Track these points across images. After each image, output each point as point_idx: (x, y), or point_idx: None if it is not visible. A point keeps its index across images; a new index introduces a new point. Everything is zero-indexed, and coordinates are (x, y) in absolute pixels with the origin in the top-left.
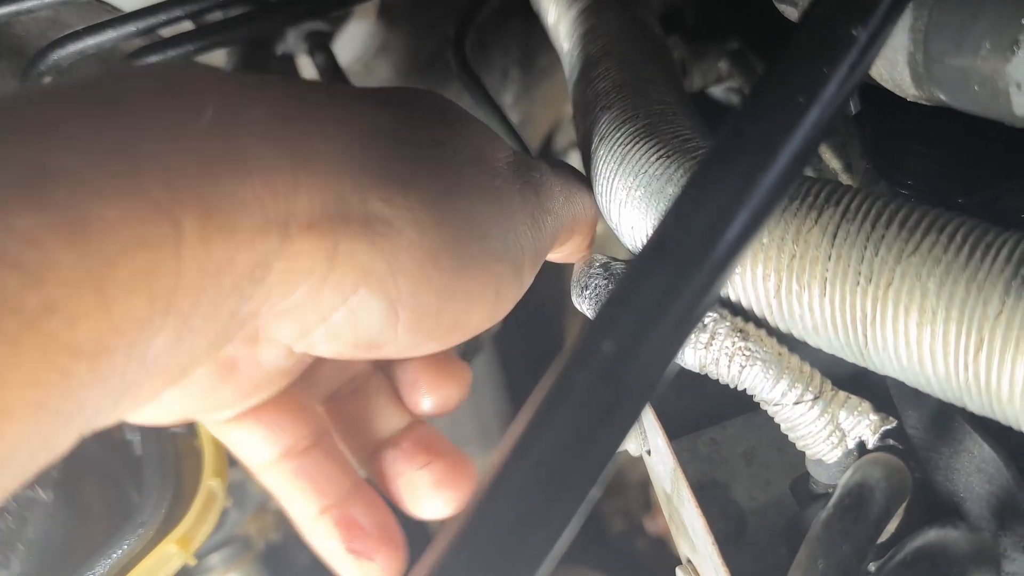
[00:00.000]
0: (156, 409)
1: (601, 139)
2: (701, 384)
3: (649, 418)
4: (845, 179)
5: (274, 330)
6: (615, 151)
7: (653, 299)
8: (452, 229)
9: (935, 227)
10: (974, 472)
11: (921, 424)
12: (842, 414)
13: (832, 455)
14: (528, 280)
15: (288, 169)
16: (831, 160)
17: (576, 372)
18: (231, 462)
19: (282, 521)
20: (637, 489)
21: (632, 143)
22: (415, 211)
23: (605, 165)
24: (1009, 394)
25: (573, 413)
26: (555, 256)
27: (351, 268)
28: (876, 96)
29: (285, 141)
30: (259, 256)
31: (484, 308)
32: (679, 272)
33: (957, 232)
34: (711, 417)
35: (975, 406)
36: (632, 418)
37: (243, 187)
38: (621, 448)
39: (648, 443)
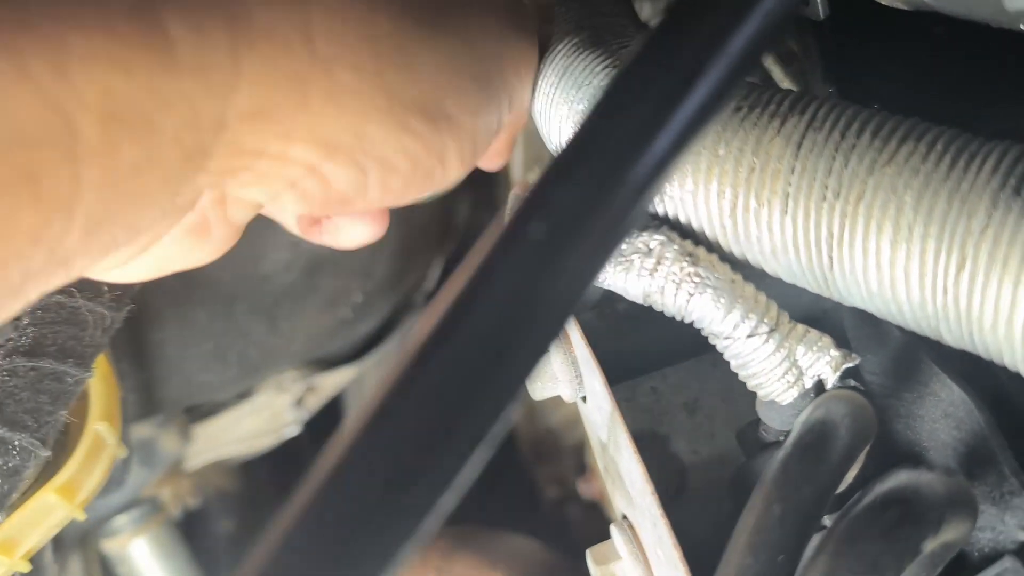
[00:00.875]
0: (137, 268)
1: (542, 51)
2: (641, 327)
3: (586, 359)
4: None
5: (241, 193)
6: (557, 63)
7: (572, 205)
8: (423, 89)
9: (913, 135)
10: (940, 418)
11: (881, 368)
12: (800, 349)
13: (787, 395)
14: (496, 137)
15: (226, 51)
16: (790, 87)
17: (478, 291)
18: (132, 417)
19: (202, 485)
20: (571, 455)
21: (575, 54)
22: (384, 75)
23: (546, 79)
24: (993, 321)
25: (473, 338)
26: (487, 159)
27: (313, 144)
28: (841, 13)
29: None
30: (187, 151)
31: (457, 162)
32: (605, 173)
33: (938, 140)
34: (652, 364)
35: (952, 337)
36: (540, 348)
37: (166, 82)
38: (554, 393)
39: (584, 388)
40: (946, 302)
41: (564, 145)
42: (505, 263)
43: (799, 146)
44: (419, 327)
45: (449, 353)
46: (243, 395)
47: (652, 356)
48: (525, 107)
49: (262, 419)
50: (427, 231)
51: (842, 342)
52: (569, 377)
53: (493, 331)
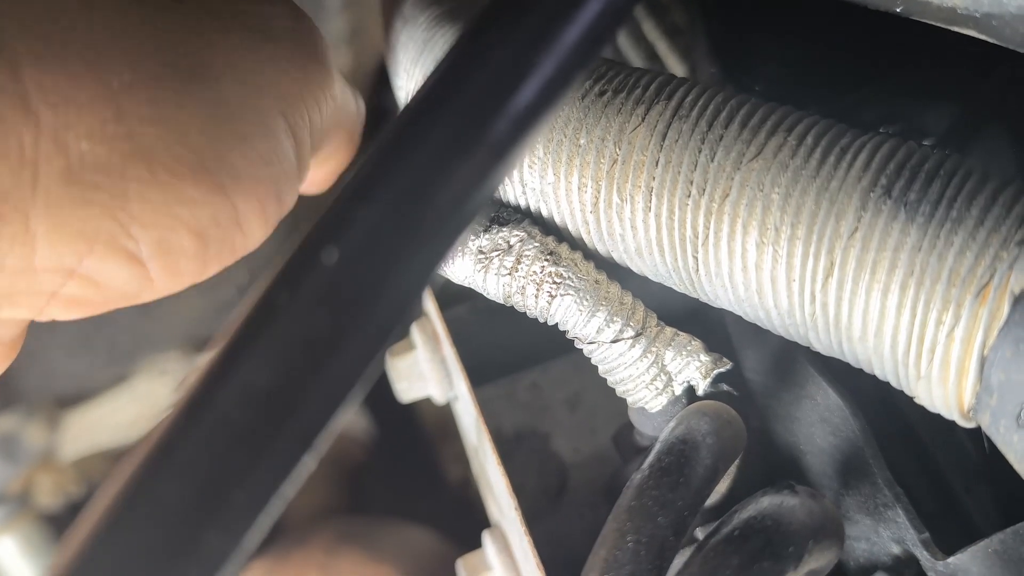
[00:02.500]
0: None
1: (405, 23)
2: (520, 319)
3: (452, 358)
4: None
5: None
6: (417, 36)
7: (373, 226)
8: (191, 146)
9: (783, 127)
10: (817, 422)
11: (761, 367)
12: (668, 354)
13: (656, 402)
14: (304, 173)
15: None
16: (675, 66)
17: (283, 295)
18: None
19: (86, 474)
20: None
21: (436, 26)
22: (135, 137)
23: (406, 53)
24: (862, 331)
25: (276, 351)
26: (317, 173)
27: (61, 241)
28: None
29: None
30: None
31: (259, 221)
32: (411, 187)
33: (808, 133)
34: (533, 357)
35: (822, 345)
36: (363, 361)
37: None
38: (423, 394)
39: (454, 388)
40: (814, 310)
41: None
42: (292, 298)
43: (664, 136)
44: (188, 393)
45: (244, 384)
46: (119, 380)
47: (533, 349)
48: (342, 122)
49: (143, 405)
50: (318, 206)
51: (724, 338)
52: (439, 377)
53: (292, 364)
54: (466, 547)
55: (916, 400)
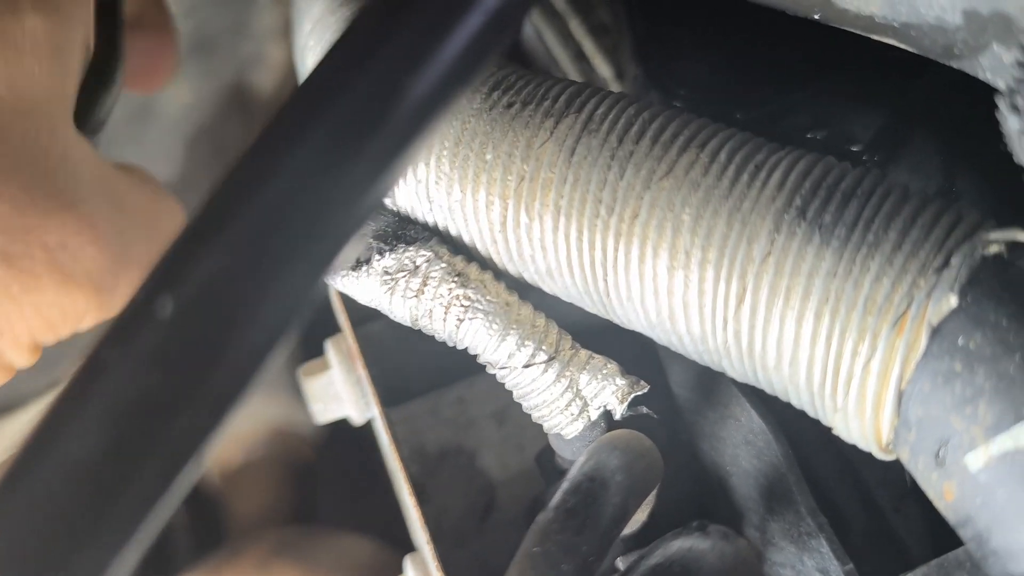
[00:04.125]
0: None
1: (313, 27)
2: None
3: (364, 378)
4: (616, 89)
5: None
6: (326, 39)
7: (211, 275)
8: None
9: (695, 142)
10: (741, 444)
11: (687, 382)
12: (583, 378)
13: (572, 428)
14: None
15: None
16: (600, 65)
17: (112, 353)
18: None
19: None
20: None
21: (330, 14)
22: None
23: (315, 58)
24: (776, 360)
25: (103, 417)
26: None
27: None
28: None
29: None
30: None
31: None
32: (254, 232)
33: (722, 149)
34: (458, 371)
35: (736, 373)
36: (204, 426)
37: None
38: (339, 415)
39: (371, 408)
40: (727, 337)
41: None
42: (123, 356)
43: (572, 152)
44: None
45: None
46: (50, 388)
47: (459, 363)
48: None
49: None
50: None
51: (652, 350)
52: (355, 398)
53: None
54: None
55: (834, 431)
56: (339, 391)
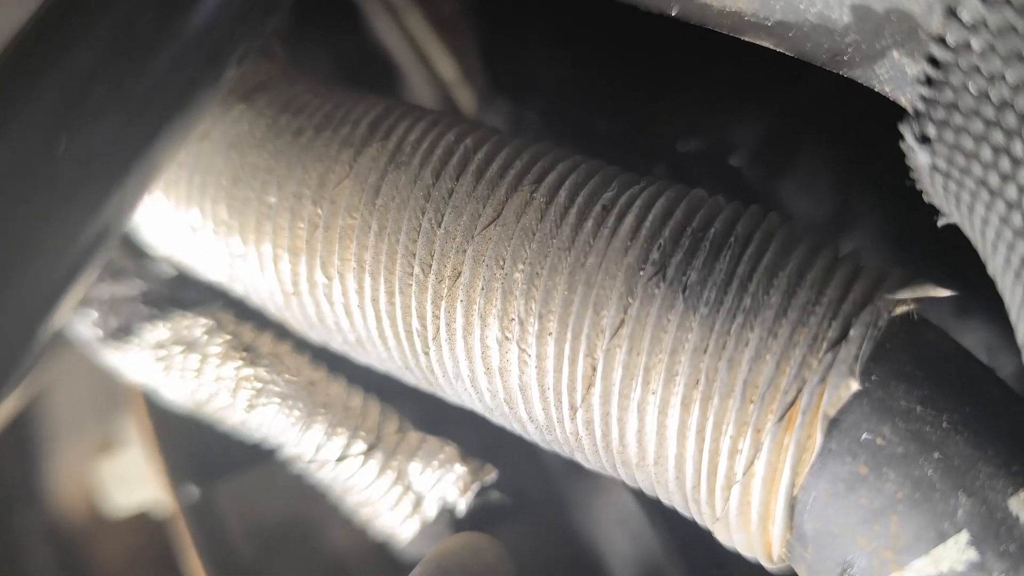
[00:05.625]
0: None
1: None
2: None
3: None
4: (462, 94)
5: None
6: None
7: None
8: None
9: (529, 177)
10: (616, 523)
11: None
12: (414, 468)
13: (406, 528)
14: None
15: None
16: (445, 67)
17: None
18: None
19: None
20: None
21: None
22: None
23: None
24: (639, 455)
25: None
26: None
27: None
28: None
29: None
30: None
31: None
32: None
33: (561, 186)
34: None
35: (593, 465)
36: None
37: None
38: (143, 499)
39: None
40: (576, 427)
41: None
42: None
43: (377, 192)
44: None
45: None
46: None
47: None
48: None
49: None
50: None
51: None
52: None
53: None
54: None
55: (716, 537)
56: (139, 474)
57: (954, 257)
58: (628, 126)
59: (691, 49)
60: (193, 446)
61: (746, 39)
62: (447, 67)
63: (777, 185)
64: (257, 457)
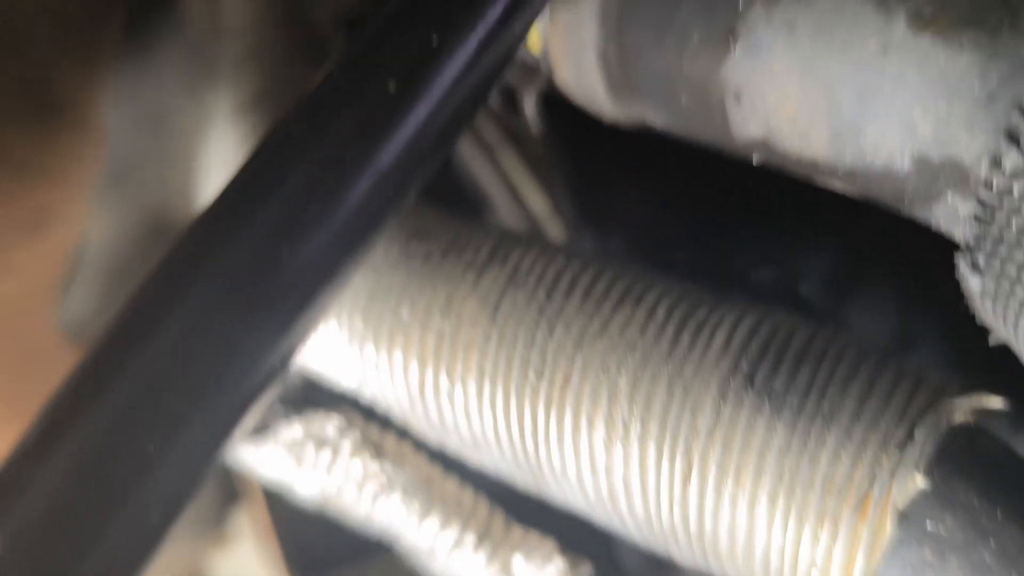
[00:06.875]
0: None
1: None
2: None
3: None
4: (551, 226)
5: None
6: None
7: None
8: None
9: (629, 297)
10: None
11: (638, 553)
12: (517, 560)
13: None
14: None
15: None
16: (535, 201)
17: None
18: None
19: None
20: None
21: None
22: None
23: None
24: (729, 545)
25: None
26: None
27: None
28: (579, 122)
29: None
30: None
31: None
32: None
33: (659, 305)
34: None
35: (686, 558)
36: None
37: None
38: None
39: None
40: (672, 519)
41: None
42: None
43: (496, 308)
44: None
45: None
46: None
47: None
48: None
49: None
50: None
51: None
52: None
53: None
54: None
55: None
56: (251, 571)
57: (1008, 374)
58: (705, 256)
59: (761, 185)
60: (304, 541)
61: (819, 183)
62: (537, 201)
63: (843, 311)
64: (365, 550)
